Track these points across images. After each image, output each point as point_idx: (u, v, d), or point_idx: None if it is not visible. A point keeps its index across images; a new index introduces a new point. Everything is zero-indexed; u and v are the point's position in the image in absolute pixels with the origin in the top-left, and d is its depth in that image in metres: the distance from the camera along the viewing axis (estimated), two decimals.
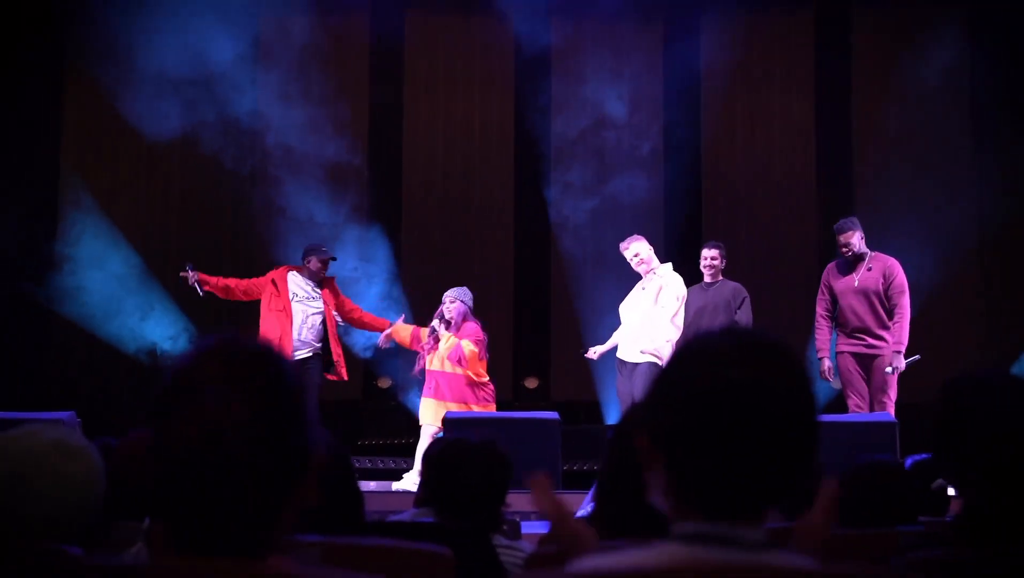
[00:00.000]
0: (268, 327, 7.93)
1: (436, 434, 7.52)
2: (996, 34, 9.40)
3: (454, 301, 7.78)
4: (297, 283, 8.03)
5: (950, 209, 9.63)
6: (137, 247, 9.87)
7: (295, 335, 7.86)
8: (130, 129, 9.84)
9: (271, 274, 8.11)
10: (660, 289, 7.57)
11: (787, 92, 10.18)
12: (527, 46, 10.06)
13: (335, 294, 8.16)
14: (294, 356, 7.74)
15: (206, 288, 8.01)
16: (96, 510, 2.07)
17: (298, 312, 7.95)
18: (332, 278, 8.25)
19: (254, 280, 8.14)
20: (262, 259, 9.96)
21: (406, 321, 8.15)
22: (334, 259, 8.19)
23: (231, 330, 1.48)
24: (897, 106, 9.73)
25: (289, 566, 1.37)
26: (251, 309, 10.12)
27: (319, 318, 8.00)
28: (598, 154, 9.87)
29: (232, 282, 8.12)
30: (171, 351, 9.48)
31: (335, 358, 7.99)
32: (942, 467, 2.09)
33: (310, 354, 7.95)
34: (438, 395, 7.61)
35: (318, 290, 8.06)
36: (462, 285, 7.94)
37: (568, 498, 6.45)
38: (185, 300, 9.81)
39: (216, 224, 10.15)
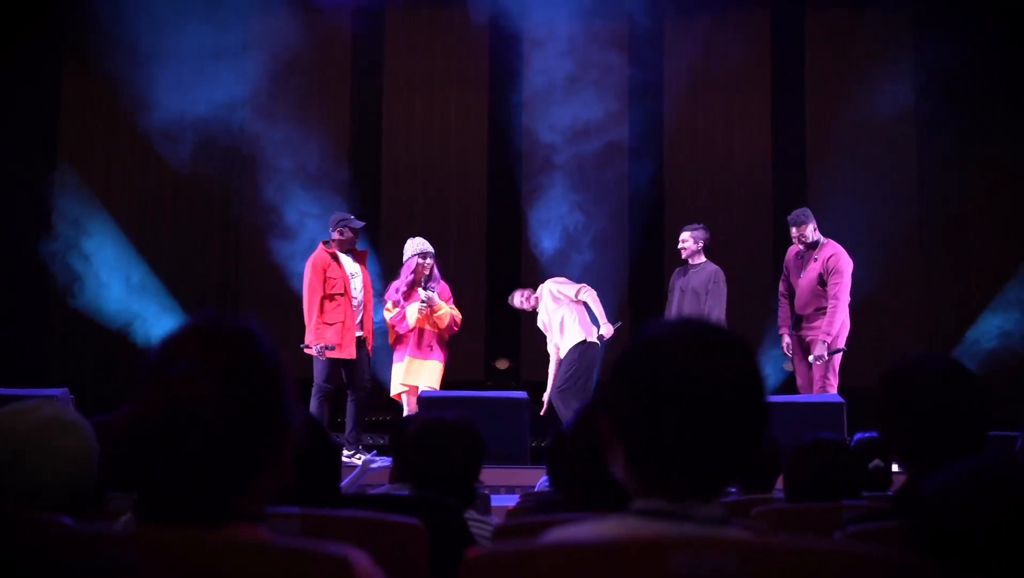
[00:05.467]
0: (331, 313, 7.30)
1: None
2: (940, 37, 9.45)
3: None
4: (346, 261, 7.46)
5: (895, 204, 9.71)
6: (130, 235, 9.84)
7: (359, 312, 7.41)
8: (125, 119, 9.78)
9: (316, 265, 7.38)
10: (543, 298, 7.94)
11: (745, 91, 10.20)
12: (500, 43, 10.07)
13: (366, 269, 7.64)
14: (359, 334, 7.41)
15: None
16: (90, 483, 2.06)
17: (357, 288, 7.44)
18: (365, 252, 7.70)
19: (315, 295, 7.32)
20: (248, 248, 9.94)
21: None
22: (364, 224, 7.68)
23: (217, 310, 1.47)
24: (847, 106, 9.76)
25: (260, 535, 1.37)
26: (241, 289, 10.12)
27: (363, 293, 7.47)
28: (566, 146, 9.85)
29: (316, 314, 7.31)
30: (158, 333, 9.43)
31: (365, 334, 7.49)
32: (887, 443, 2.12)
33: (361, 334, 7.47)
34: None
35: (357, 263, 7.53)
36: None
37: (535, 473, 6.48)
38: (176, 284, 9.81)
39: (203, 212, 10.12)
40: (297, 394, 1.43)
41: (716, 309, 7.58)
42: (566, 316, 7.82)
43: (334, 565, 1.31)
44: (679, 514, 1.35)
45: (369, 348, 7.60)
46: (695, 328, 1.40)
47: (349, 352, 7.32)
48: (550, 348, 8.00)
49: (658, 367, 1.37)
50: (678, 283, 7.85)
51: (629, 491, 1.40)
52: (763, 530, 1.39)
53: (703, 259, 7.79)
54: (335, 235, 7.47)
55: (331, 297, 7.34)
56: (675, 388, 1.35)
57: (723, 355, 1.37)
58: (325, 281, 7.32)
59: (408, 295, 7.56)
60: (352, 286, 7.40)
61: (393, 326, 7.56)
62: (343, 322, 7.31)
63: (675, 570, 1.28)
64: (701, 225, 7.91)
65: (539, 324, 8.06)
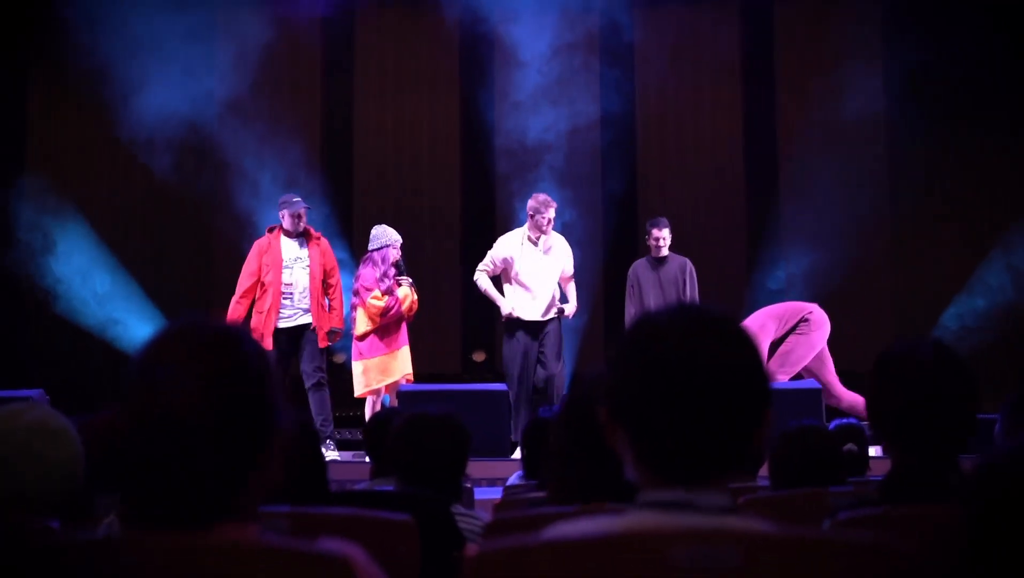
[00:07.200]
0: (260, 301, 7.18)
1: (381, 396, 7.49)
2: (911, 30, 9.49)
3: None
4: (288, 246, 7.31)
5: (867, 194, 9.76)
6: (104, 236, 9.76)
7: (295, 301, 7.21)
8: (93, 126, 9.71)
9: (254, 249, 7.34)
10: (564, 250, 7.67)
11: (716, 80, 10.22)
12: (471, 43, 10.05)
13: (324, 254, 7.39)
14: (293, 324, 7.23)
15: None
16: (76, 487, 2.03)
17: (293, 276, 7.25)
18: (320, 237, 7.48)
19: (247, 277, 7.24)
20: (221, 251, 9.87)
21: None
22: (308, 208, 7.49)
23: (199, 313, 1.45)
24: (818, 98, 9.79)
25: (252, 535, 1.34)
26: (223, 291, 10.05)
27: (308, 281, 7.27)
28: (539, 145, 9.84)
29: (244, 300, 7.24)
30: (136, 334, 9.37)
31: (314, 323, 7.26)
32: (877, 430, 2.12)
33: (308, 321, 7.25)
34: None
35: (304, 249, 7.34)
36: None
37: (517, 465, 6.47)
38: (149, 287, 9.74)
39: (176, 216, 10.05)
40: (289, 394, 1.41)
41: (696, 298, 7.79)
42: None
43: (333, 565, 1.29)
44: (684, 504, 1.33)
45: (322, 339, 7.35)
46: (693, 311, 1.39)
47: (267, 343, 7.10)
48: (534, 292, 7.59)
49: (657, 350, 1.35)
50: (647, 276, 7.88)
51: (637, 485, 1.38)
52: (768, 519, 1.37)
53: (667, 252, 7.93)
54: (280, 220, 7.39)
55: (263, 284, 7.24)
56: (674, 370, 1.33)
57: (721, 337, 1.36)
58: (261, 266, 7.24)
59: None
60: (285, 271, 7.25)
61: (386, 312, 7.40)
62: (266, 312, 7.17)
63: (676, 562, 1.27)
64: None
65: (538, 262, 7.59)
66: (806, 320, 7.63)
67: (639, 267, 8.00)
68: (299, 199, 7.46)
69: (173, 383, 1.31)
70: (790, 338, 7.61)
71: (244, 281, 7.32)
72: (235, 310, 7.26)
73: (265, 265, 7.25)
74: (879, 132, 9.92)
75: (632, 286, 7.96)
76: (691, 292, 7.81)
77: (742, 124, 10.21)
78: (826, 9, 10.12)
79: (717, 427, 1.34)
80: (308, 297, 7.30)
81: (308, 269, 7.33)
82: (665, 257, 7.89)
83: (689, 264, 7.91)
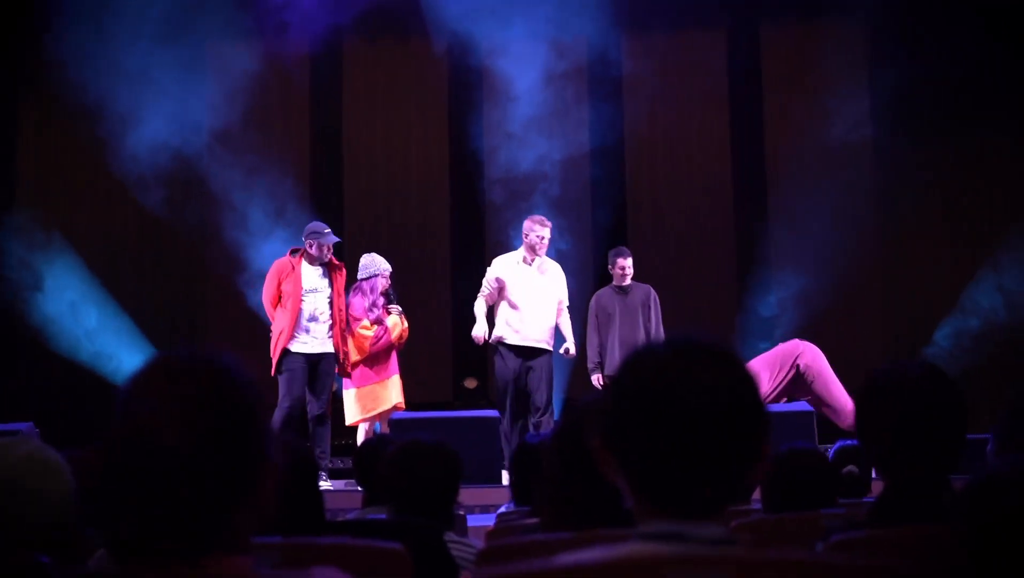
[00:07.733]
0: (276, 324, 7.17)
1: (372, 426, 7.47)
2: (896, 50, 9.55)
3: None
4: (309, 273, 7.25)
5: (856, 210, 9.77)
6: (94, 270, 9.74)
7: (312, 330, 7.16)
8: (84, 157, 9.72)
9: (272, 270, 7.28)
10: (559, 276, 7.64)
11: (704, 104, 10.26)
12: (459, 68, 10.09)
13: (340, 286, 7.34)
14: (310, 350, 7.16)
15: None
16: (68, 521, 2.02)
17: (314, 303, 7.21)
18: (342, 267, 7.42)
19: (269, 302, 7.22)
20: (210, 280, 9.86)
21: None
22: (339, 241, 7.42)
23: (189, 344, 1.44)
24: (804, 119, 9.84)
25: (244, 568, 1.33)
26: (208, 322, 10.03)
27: (329, 309, 7.23)
28: (529, 170, 9.86)
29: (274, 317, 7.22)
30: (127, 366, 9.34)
31: (339, 356, 7.25)
32: (867, 452, 2.12)
33: (328, 350, 7.23)
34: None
35: (326, 278, 7.29)
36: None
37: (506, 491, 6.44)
38: (141, 317, 9.71)
39: (165, 246, 10.04)
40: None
41: (661, 325, 7.74)
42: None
43: None
44: (680, 536, 1.32)
45: (348, 367, 7.36)
46: (691, 343, 1.38)
47: (274, 367, 7.16)
48: (533, 318, 7.53)
49: (653, 381, 1.34)
50: (612, 305, 7.83)
51: (636, 515, 1.37)
52: (761, 543, 1.36)
53: (630, 281, 7.90)
54: (307, 247, 7.29)
55: (281, 307, 7.21)
56: (670, 402, 1.32)
57: (720, 369, 1.35)
58: (280, 289, 7.20)
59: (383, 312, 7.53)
60: (306, 298, 7.21)
61: (375, 341, 7.40)
62: (278, 334, 7.14)
63: None
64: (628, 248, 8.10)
65: (531, 283, 7.55)
66: (797, 363, 7.61)
67: (603, 297, 7.92)
68: (329, 230, 7.36)
69: (156, 413, 1.29)
70: (813, 388, 7.57)
71: (268, 304, 7.29)
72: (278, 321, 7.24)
73: (284, 291, 7.22)
74: (867, 151, 9.95)
75: (596, 316, 7.89)
76: (655, 319, 7.77)
77: (730, 147, 10.24)
78: (812, 30, 10.18)
79: (714, 460, 1.33)
80: (328, 326, 7.27)
81: (330, 298, 7.30)
82: (629, 286, 7.86)
83: (653, 292, 7.85)
